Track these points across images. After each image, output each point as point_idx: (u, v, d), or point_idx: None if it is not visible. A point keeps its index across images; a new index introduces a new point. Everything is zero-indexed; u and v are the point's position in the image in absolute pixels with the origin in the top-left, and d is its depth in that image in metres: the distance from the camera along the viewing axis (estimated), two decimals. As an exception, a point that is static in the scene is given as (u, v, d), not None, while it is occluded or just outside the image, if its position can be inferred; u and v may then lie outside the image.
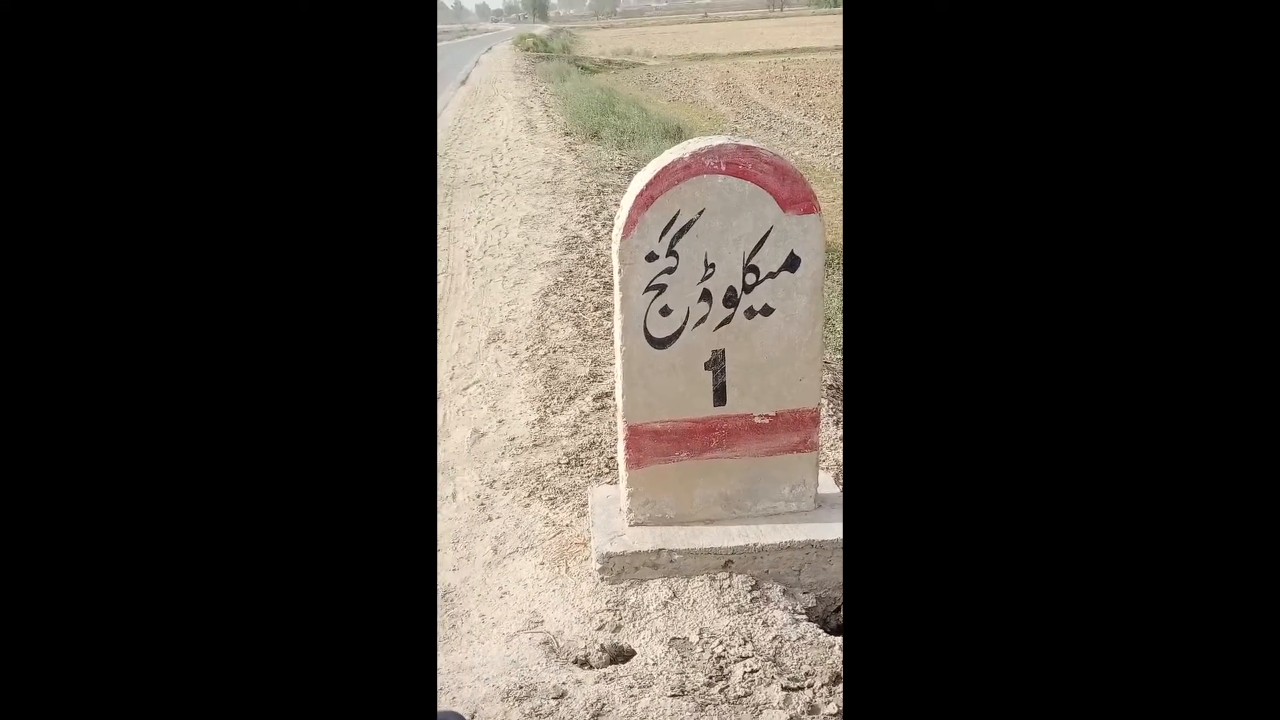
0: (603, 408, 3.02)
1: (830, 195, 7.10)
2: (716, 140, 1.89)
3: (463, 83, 18.63)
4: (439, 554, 2.32)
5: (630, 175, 7.08)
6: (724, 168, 1.84)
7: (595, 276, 4.53)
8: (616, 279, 1.93)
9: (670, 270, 1.89)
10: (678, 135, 9.27)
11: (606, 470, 2.61)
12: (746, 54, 27.64)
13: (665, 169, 1.85)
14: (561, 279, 4.52)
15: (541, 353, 3.58)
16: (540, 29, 68.37)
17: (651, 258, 1.89)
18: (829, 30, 35.13)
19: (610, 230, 5.38)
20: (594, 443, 2.79)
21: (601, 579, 2.00)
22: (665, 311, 1.92)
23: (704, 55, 28.76)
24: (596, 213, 5.87)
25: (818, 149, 10.61)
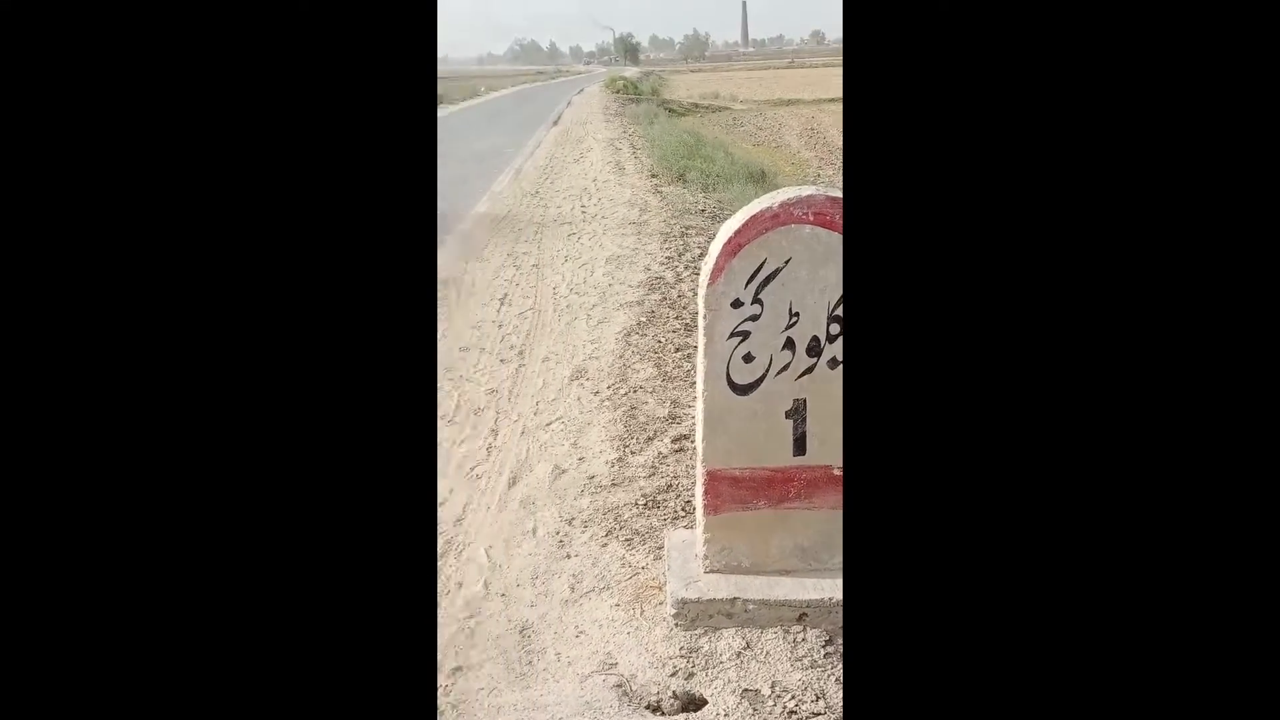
0: (680, 450, 3.04)
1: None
2: (805, 191, 1.90)
3: (555, 123, 19.07)
4: (519, 589, 2.35)
5: (714, 218, 7.15)
6: (812, 218, 1.86)
7: (676, 318, 4.56)
8: (701, 324, 1.95)
9: (755, 318, 1.91)
10: (761, 179, 9.32)
11: (683, 514, 2.62)
12: (832, 100, 27.62)
13: (753, 218, 1.88)
14: (644, 319, 4.56)
15: (622, 392, 3.62)
16: (630, 71, 69.67)
17: (737, 304, 1.91)
18: (919, 76, 34.73)
19: (693, 273, 5.42)
20: (671, 485, 2.80)
21: (676, 624, 2.00)
22: (748, 358, 1.93)
23: (789, 100, 28.90)
24: (680, 254, 5.92)
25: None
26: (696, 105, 29.28)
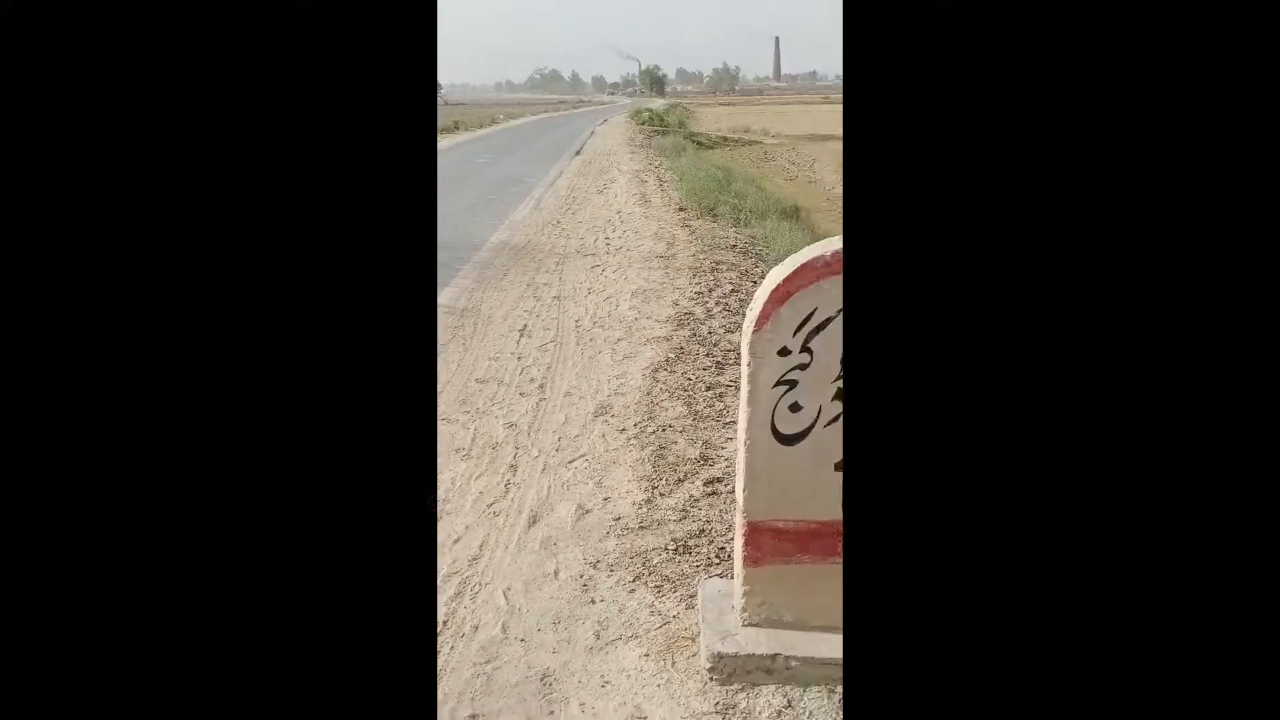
0: (713, 493, 2.97)
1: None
2: (859, 239, 1.86)
3: (577, 153, 19.19)
4: (539, 634, 2.29)
5: (745, 254, 7.13)
6: (866, 267, 1.81)
7: (707, 355, 4.51)
8: (744, 371, 1.90)
9: (803, 366, 1.86)
10: (795, 215, 9.30)
11: (716, 561, 2.55)
12: (862, 137, 27.61)
13: (805, 265, 1.83)
14: (673, 355, 4.52)
15: (650, 430, 3.56)
16: (657, 103, 70.27)
17: (784, 352, 1.86)
18: (945, 117, 34.92)
19: (724, 309, 5.38)
20: (704, 530, 2.74)
21: (711, 679, 1.93)
22: (795, 408, 1.88)
23: (823, 136, 28.95)
24: (710, 290, 5.88)
25: (932, 236, 10.47)
26: (725, 139, 29.41)
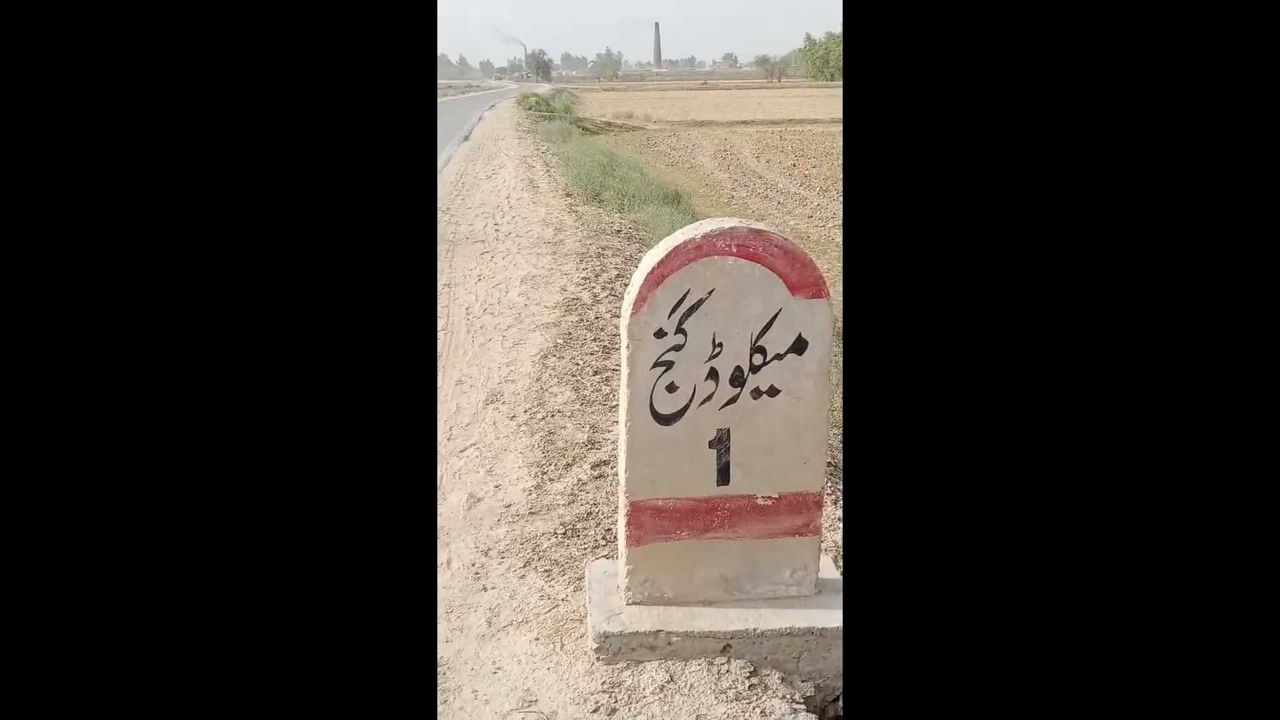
0: (600, 476, 3.00)
1: (825, 266, 7.16)
2: (729, 223, 1.91)
3: (466, 138, 18.88)
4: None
5: (630, 239, 7.17)
6: (735, 250, 1.86)
7: (594, 340, 4.54)
8: (624, 354, 1.93)
9: (678, 348, 1.90)
10: (677, 201, 9.40)
11: (603, 543, 2.58)
12: (744, 123, 28.18)
13: (677, 248, 1.87)
14: (560, 341, 4.52)
15: (540, 416, 3.57)
16: (543, 88, 69.58)
17: (660, 334, 1.90)
18: (825, 103, 35.90)
19: (610, 294, 5.41)
20: (591, 513, 2.77)
21: (598, 659, 1.96)
22: (671, 388, 1.92)
23: (703, 122, 29.32)
24: (596, 275, 5.91)
25: (813, 219, 10.74)
26: (610, 124, 29.43)
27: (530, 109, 32.36)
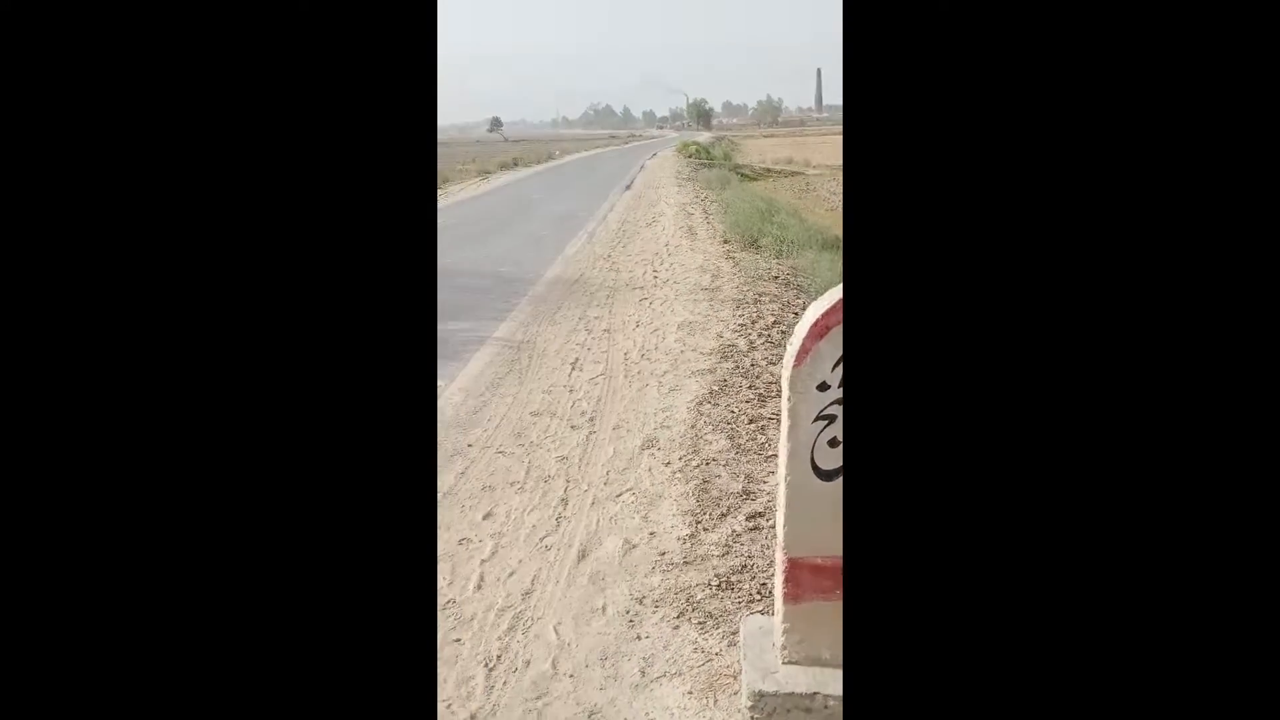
0: (755, 528, 2.96)
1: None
2: (896, 274, 1.86)
3: (628, 187, 19.38)
4: (587, 670, 2.30)
5: (788, 285, 7.11)
6: (903, 302, 1.81)
7: (749, 388, 4.51)
8: (785, 406, 1.90)
9: (842, 401, 1.85)
10: (835, 247, 9.25)
11: (758, 597, 2.54)
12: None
13: (842, 300, 1.84)
14: (716, 388, 4.52)
15: (695, 464, 3.56)
16: (703, 136, 70.72)
17: (823, 387, 1.86)
18: (995, 143, 34.62)
19: (766, 341, 5.37)
20: (746, 565, 2.73)
21: (752, 717, 1.91)
22: (834, 443, 1.87)
23: (864, 165, 28.84)
24: (753, 322, 5.88)
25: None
26: (769, 170, 29.52)
27: (690, 157, 32.91)
